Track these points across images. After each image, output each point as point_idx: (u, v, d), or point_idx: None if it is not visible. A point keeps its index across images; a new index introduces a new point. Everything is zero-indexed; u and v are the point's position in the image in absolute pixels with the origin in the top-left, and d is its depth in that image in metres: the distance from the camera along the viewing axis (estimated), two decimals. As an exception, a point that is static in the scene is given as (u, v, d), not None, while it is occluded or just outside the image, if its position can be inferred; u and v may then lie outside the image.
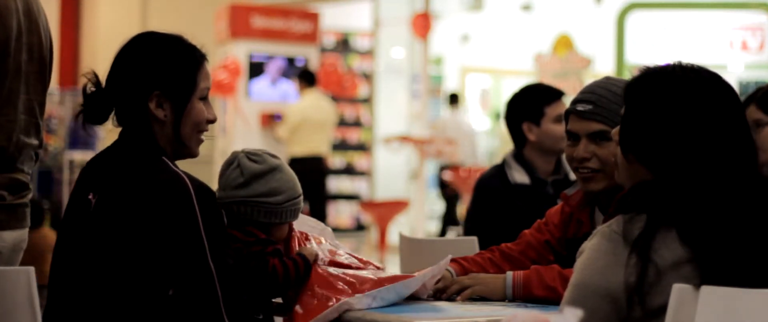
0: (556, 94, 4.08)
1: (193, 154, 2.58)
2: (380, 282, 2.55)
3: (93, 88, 2.56)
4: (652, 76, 2.20)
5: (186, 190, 2.41)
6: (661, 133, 2.14)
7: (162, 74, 2.52)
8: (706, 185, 2.11)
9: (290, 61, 11.70)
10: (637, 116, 2.18)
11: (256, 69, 11.57)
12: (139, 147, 2.51)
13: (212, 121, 2.62)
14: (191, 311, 2.39)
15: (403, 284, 2.57)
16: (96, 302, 2.43)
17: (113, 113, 2.57)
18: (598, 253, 2.10)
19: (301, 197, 2.68)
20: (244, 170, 2.62)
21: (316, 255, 2.64)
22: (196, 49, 2.59)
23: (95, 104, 2.56)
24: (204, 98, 2.59)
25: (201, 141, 2.60)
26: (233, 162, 2.64)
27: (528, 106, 4.06)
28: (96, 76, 2.56)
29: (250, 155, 2.65)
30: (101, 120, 2.56)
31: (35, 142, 2.91)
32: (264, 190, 2.61)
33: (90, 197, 2.49)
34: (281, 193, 2.62)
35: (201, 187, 2.45)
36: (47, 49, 2.96)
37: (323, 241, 2.80)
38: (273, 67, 11.63)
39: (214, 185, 2.63)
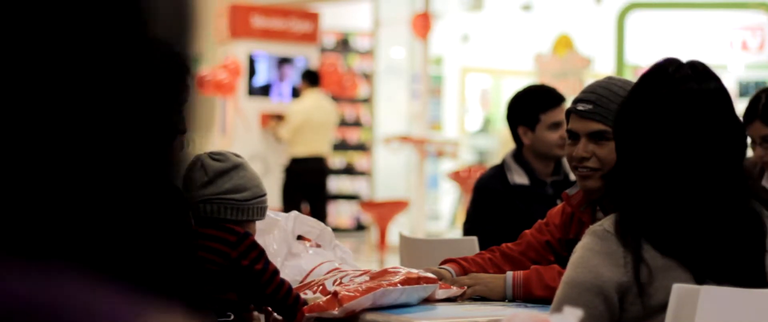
0: (555, 101, 4.05)
1: None
2: (408, 281, 2.60)
3: None
4: (658, 66, 2.22)
5: None
6: (635, 113, 2.16)
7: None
8: (654, 176, 2.13)
9: (290, 60, 11.70)
10: (628, 96, 2.21)
11: (256, 69, 11.57)
12: None
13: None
14: None
15: (424, 288, 2.62)
16: None
17: None
18: (590, 251, 2.11)
19: (266, 197, 2.70)
20: (208, 169, 2.63)
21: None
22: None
23: None
24: None
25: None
26: (196, 163, 2.64)
27: (525, 110, 4.06)
28: None
29: (213, 155, 2.67)
30: None
31: None
32: (229, 186, 2.62)
33: None
34: (246, 189, 2.64)
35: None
36: None
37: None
38: (273, 68, 11.63)
39: None
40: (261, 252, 2.60)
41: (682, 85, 2.16)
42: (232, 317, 2.61)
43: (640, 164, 2.13)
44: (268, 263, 2.60)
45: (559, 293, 2.13)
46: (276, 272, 2.61)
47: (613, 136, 2.23)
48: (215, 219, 2.61)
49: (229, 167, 2.64)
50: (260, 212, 2.67)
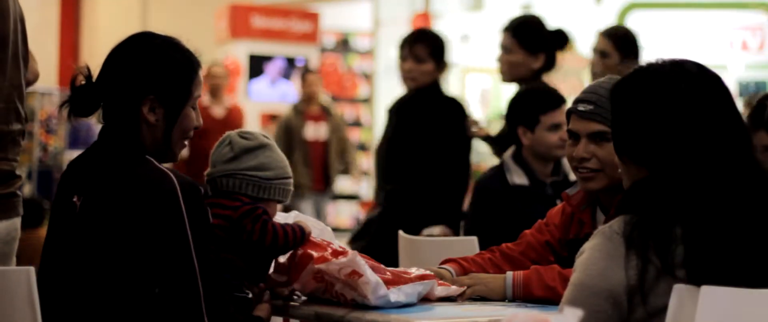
0: (555, 102, 4.04)
1: (175, 158, 2.59)
2: (408, 280, 2.60)
3: (83, 82, 2.55)
4: (634, 74, 2.21)
5: (172, 187, 2.41)
6: (649, 130, 2.15)
7: (159, 80, 2.52)
8: (700, 176, 2.11)
9: (290, 60, 11.70)
10: (624, 117, 2.19)
11: (256, 69, 11.57)
12: (124, 146, 2.51)
13: (198, 127, 2.62)
14: (172, 308, 2.39)
15: (422, 284, 2.61)
16: (85, 304, 2.42)
17: (100, 110, 2.57)
18: (599, 253, 2.10)
19: (291, 180, 2.73)
20: (235, 145, 2.68)
21: (309, 231, 2.69)
22: (192, 55, 2.59)
23: (84, 98, 2.55)
24: (193, 106, 2.59)
25: (184, 146, 2.62)
26: (225, 140, 2.70)
27: (525, 110, 4.06)
28: (89, 70, 2.55)
29: (242, 133, 2.71)
30: (88, 113, 2.56)
31: (17, 127, 2.87)
32: (253, 164, 2.67)
33: (75, 199, 2.48)
34: (270, 169, 2.68)
35: (188, 184, 2.46)
36: (20, 34, 2.92)
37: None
38: (273, 68, 11.63)
39: None
40: (257, 216, 2.62)
41: (699, 77, 2.16)
42: (251, 295, 2.62)
43: (676, 170, 2.12)
44: (265, 224, 2.62)
45: (567, 294, 2.12)
46: (265, 225, 2.62)
47: (630, 147, 2.19)
48: (235, 193, 2.65)
49: (255, 145, 2.68)
50: (283, 193, 2.71)
